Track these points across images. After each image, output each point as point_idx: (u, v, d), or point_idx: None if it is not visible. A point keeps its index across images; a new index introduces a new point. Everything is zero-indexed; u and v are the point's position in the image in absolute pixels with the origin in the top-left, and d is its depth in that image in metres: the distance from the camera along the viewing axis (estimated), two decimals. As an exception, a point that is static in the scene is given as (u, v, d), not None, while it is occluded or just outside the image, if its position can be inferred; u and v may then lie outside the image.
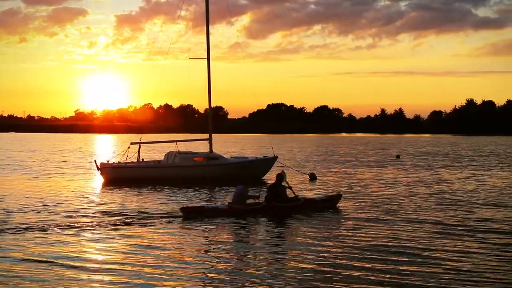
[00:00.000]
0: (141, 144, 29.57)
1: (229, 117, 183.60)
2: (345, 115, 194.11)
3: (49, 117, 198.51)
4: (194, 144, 37.07)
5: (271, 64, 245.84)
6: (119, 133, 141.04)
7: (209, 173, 27.13)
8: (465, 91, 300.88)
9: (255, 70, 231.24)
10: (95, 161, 29.29)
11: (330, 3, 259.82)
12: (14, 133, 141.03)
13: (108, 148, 66.42)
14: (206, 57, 29.13)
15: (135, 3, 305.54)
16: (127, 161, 28.84)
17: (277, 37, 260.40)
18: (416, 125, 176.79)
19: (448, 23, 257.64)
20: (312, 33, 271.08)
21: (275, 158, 29.73)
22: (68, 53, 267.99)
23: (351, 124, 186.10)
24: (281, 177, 17.99)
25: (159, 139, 35.11)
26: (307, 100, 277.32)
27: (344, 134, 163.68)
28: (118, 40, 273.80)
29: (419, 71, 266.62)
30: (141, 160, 29.36)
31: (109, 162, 29.15)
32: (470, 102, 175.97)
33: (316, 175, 29.73)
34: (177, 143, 29.52)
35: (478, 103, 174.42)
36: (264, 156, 30.98)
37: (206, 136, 30.61)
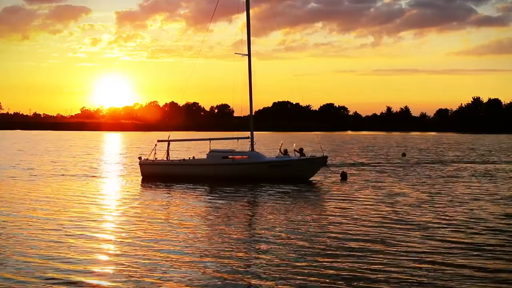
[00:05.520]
0: (170, 142, 29.62)
1: (234, 115, 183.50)
2: (350, 113, 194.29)
3: (55, 115, 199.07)
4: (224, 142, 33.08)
5: (276, 62, 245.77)
6: (127, 131, 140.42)
7: (251, 171, 26.86)
8: (470, 89, 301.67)
9: (260, 68, 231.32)
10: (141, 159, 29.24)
11: (330, 0, 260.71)
12: (20, 130, 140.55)
13: (133, 146, 65.69)
14: (247, 53, 28.68)
15: (135, 0, 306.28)
16: (160, 159, 28.84)
17: (279, 34, 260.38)
18: (422, 123, 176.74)
19: (449, 21, 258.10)
20: (313, 31, 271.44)
21: (323, 158, 27.55)
22: (72, 51, 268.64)
23: (357, 122, 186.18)
24: None
25: (185, 137, 34.81)
26: (312, 98, 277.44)
27: (349, 132, 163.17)
28: (121, 38, 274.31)
29: (423, 69, 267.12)
30: (169, 158, 29.27)
31: (148, 159, 28.96)
32: (476, 100, 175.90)
33: (347, 174, 29.34)
34: (211, 141, 29.41)
35: (484, 101, 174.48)
36: (312, 156, 29.10)
37: (239, 134, 30.44)
